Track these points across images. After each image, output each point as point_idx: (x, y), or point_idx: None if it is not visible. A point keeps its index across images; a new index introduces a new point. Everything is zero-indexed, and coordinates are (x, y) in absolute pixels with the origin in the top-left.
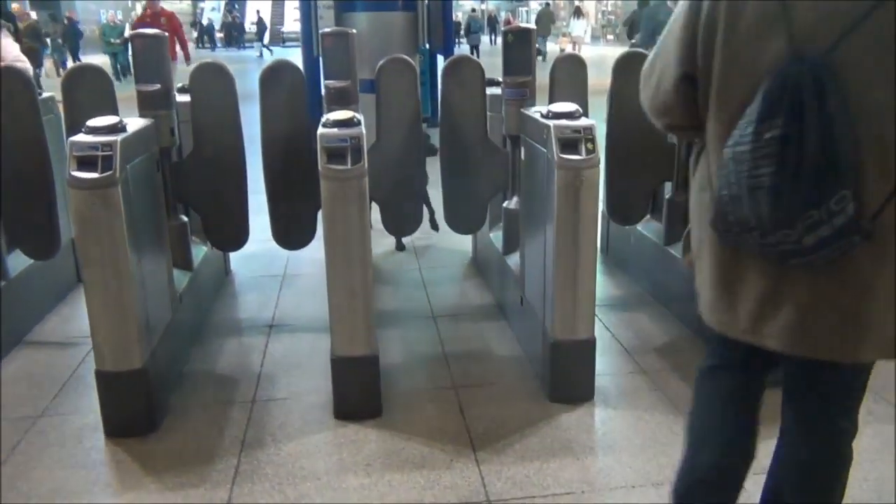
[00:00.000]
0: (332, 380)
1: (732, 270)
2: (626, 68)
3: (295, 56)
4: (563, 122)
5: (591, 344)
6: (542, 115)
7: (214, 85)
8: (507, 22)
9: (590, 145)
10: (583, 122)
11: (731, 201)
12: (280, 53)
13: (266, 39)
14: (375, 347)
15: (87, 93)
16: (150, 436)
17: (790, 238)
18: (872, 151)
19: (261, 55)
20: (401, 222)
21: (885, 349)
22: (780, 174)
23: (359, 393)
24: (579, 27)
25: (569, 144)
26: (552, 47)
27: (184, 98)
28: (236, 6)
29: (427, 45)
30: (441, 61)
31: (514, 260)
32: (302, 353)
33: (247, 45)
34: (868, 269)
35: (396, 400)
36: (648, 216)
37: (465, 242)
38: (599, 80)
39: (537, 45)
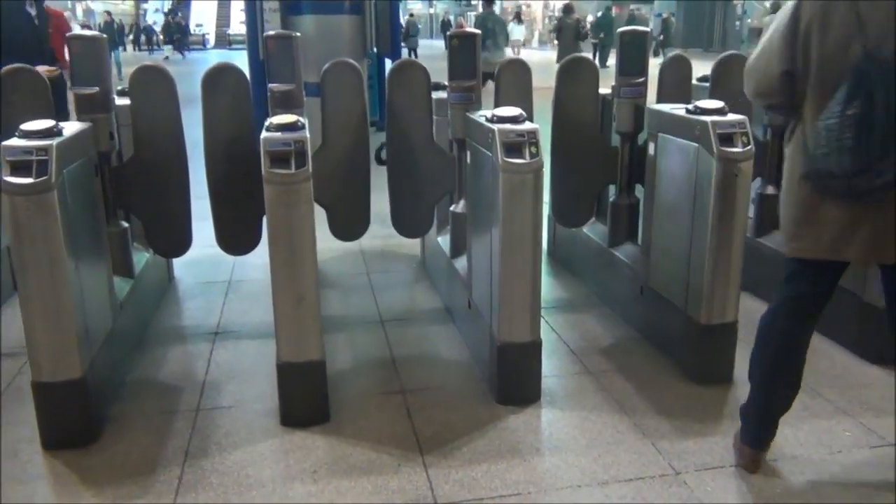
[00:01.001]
0: (278, 386)
1: (816, 210)
2: (571, 73)
3: (241, 59)
4: (508, 126)
5: (537, 346)
6: (487, 119)
7: (155, 88)
8: (460, 26)
9: (534, 149)
10: (527, 125)
11: (823, 158)
12: (226, 56)
13: (211, 43)
14: (322, 353)
15: (22, 96)
16: (90, 448)
17: (864, 181)
18: None
19: (167, 57)
20: (347, 226)
21: None
22: (857, 138)
23: (305, 399)
24: (518, 32)
25: (513, 148)
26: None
27: (123, 101)
28: (179, 14)
29: (375, 49)
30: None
31: (461, 263)
32: (248, 360)
33: (192, 47)
34: None
35: (344, 405)
36: (593, 218)
37: (413, 246)
38: (545, 83)
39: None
